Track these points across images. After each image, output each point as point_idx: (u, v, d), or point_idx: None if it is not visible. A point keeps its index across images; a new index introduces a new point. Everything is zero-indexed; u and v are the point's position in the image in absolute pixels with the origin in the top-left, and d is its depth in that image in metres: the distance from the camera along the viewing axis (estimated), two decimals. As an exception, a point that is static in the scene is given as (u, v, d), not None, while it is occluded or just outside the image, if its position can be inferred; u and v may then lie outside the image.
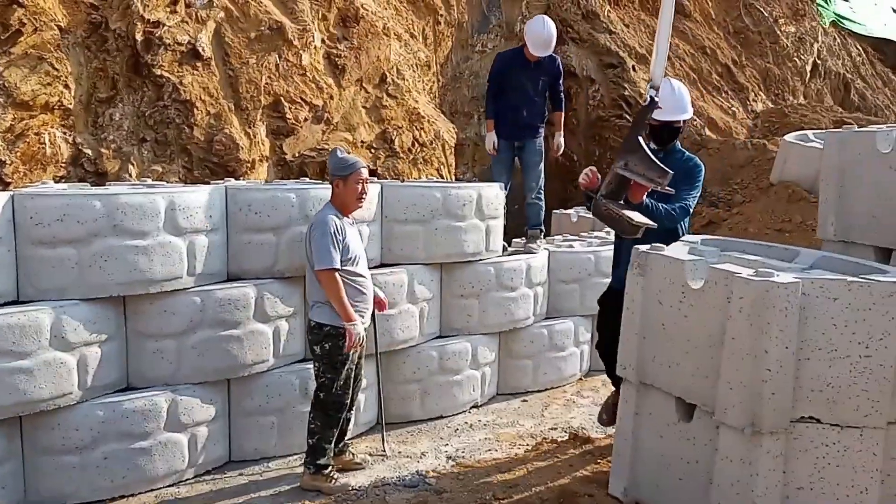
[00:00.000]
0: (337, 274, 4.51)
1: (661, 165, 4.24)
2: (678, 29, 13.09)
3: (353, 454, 5.06)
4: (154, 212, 4.51)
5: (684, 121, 4.72)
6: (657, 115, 4.45)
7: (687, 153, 4.79)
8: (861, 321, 3.12)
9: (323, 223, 4.54)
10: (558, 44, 11.61)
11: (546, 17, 6.85)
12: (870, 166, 4.19)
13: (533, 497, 3.73)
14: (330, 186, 4.76)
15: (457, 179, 9.76)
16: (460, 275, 6.02)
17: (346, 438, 5.04)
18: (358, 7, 7.58)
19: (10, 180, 5.47)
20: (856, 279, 3.16)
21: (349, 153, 5.26)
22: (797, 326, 3.09)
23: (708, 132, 11.84)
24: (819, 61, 15.13)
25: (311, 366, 4.81)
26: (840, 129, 4.47)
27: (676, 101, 4.58)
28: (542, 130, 6.86)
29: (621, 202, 4.29)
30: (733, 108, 12.86)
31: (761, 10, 14.13)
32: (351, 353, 4.64)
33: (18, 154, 5.57)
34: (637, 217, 4.19)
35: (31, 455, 4.38)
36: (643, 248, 3.83)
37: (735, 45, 13.79)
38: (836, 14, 16.14)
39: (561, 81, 6.97)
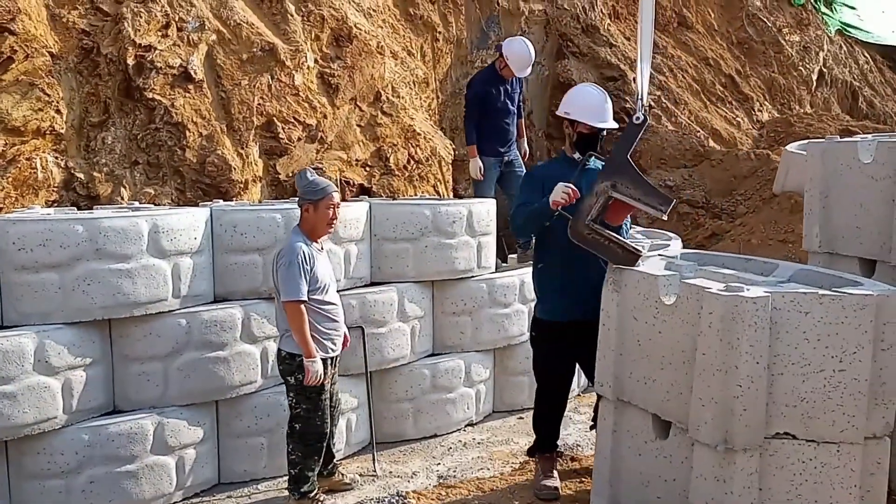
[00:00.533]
0: (303, 306, 4.39)
1: (661, 191, 4.14)
2: (680, 41, 13.09)
3: (342, 475, 5.03)
4: (137, 235, 4.53)
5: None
6: (594, 123, 4.42)
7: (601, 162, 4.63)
8: (834, 335, 3.07)
9: (290, 252, 4.41)
10: (559, 58, 11.70)
11: (524, 39, 7.17)
12: (852, 177, 4.14)
13: (511, 517, 3.70)
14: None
15: (456, 195, 9.75)
16: (452, 292, 5.99)
17: (334, 460, 5.00)
18: (351, 27, 7.62)
19: (1, 205, 5.52)
20: (827, 292, 3.11)
21: (320, 174, 5.21)
22: (768, 341, 3.04)
23: (712, 143, 11.76)
24: (825, 70, 15.03)
25: (286, 395, 4.65)
26: (822, 140, 4.42)
27: (608, 109, 4.54)
28: None
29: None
30: (738, 119, 12.78)
31: (764, 20, 14.07)
32: (325, 382, 4.56)
33: (10, 179, 5.62)
34: (635, 244, 4.00)
35: (16, 480, 4.38)
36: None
37: (739, 55, 13.73)
38: (841, 22, 16.07)
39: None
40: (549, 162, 4.55)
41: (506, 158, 7.04)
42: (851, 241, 4.19)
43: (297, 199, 4.69)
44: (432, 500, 3.92)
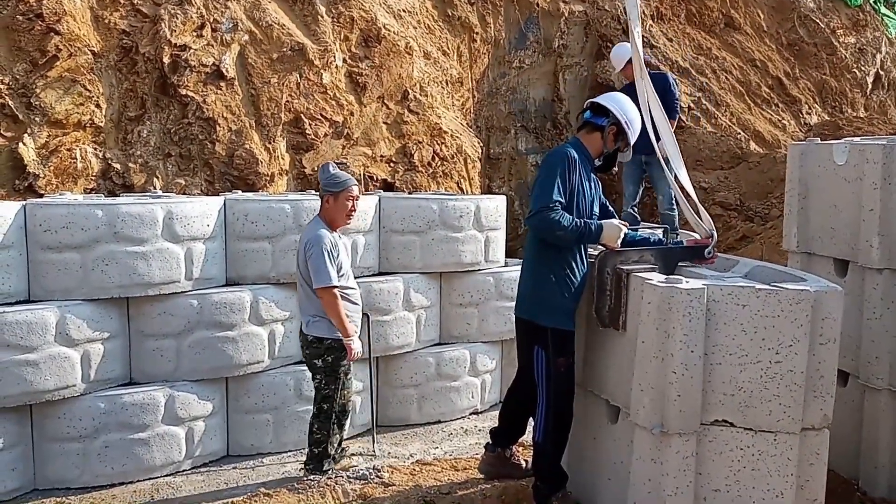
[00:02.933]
0: (336, 290, 4.64)
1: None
2: (726, 42, 12.98)
3: (349, 458, 5.24)
4: (152, 220, 4.90)
5: None
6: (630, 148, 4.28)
7: None
8: (770, 328, 3.20)
9: (318, 240, 4.63)
10: (598, 59, 11.77)
11: (621, 43, 7.87)
12: (827, 178, 4.21)
13: (476, 493, 3.91)
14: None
15: (489, 192, 9.97)
16: (459, 284, 6.22)
17: (342, 445, 5.20)
18: (380, 28, 7.91)
19: (42, 192, 5.99)
20: (764, 287, 3.24)
21: (343, 169, 5.51)
22: (704, 331, 3.19)
23: (753, 145, 11.67)
24: (882, 72, 14.66)
25: (312, 378, 4.91)
26: (802, 142, 4.49)
27: None
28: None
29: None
30: (784, 122, 12.61)
31: (817, 21, 13.82)
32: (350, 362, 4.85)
33: (51, 168, 6.09)
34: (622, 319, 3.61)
35: (39, 441, 4.81)
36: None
37: (788, 57, 13.52)
38: (903, 24, 15.62)
39: (671, 95, 7.60)
40: (577, 151, 4.08)
41: (644, 158, 7.26)
42: (826, 242, 4.26)
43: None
44: (405, 474, 4.17)
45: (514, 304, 6.26)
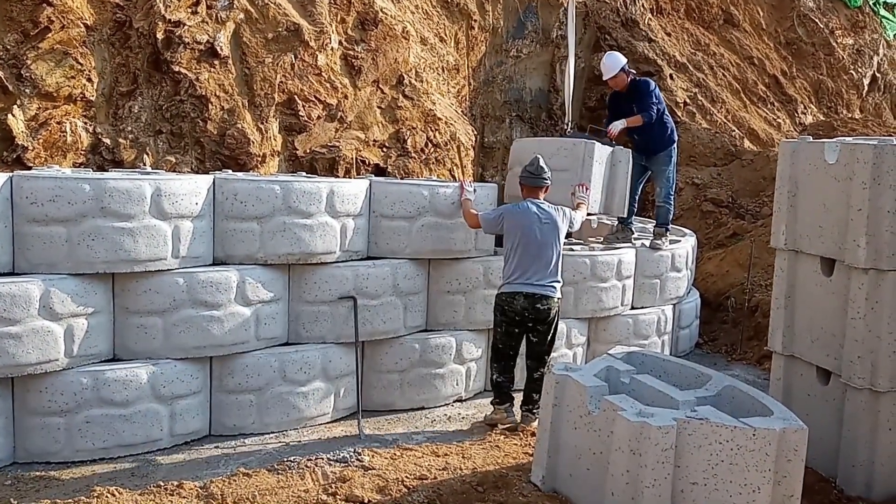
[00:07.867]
0: None
1: None
2: (725, 38, 12.98)
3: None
4: (140, 196, 4.87)
5: None
6: None
7: None
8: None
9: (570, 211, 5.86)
10: (595, 51, 11.73)
11: (613, 52, 7.86)
12: (817, 177, 4.21)
13: (455, 479, 3.91)
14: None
15: (482, 181, 9.95)
16: (448, 271, 6.20)
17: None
18: (377, 11, 7.86)
19: (31, 164, 5.95)
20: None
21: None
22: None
23: (747, 143, 11.68)
24: (879, 74, 14.69)
25: (539, 335, 5.56)
26: (794, 140, 4.49)
27: None
28: (664, 144, 7.54)
29: None
30: (778, 120, 12.63)
31: (816, 21, 13.82)
32: None
33: (41, 141, 6.05)
34: None
35: (20, 415, 4.78)
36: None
37: (786, 56, 13.53)
38: (901, 26, 15.63)
39: (647, 98, 7.45)
40: None
41: (644, 159, 7.55)
42: (814, 240, 4.27)
43: (534, 178, 5.73)
44: (386, 458, 4.17)
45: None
